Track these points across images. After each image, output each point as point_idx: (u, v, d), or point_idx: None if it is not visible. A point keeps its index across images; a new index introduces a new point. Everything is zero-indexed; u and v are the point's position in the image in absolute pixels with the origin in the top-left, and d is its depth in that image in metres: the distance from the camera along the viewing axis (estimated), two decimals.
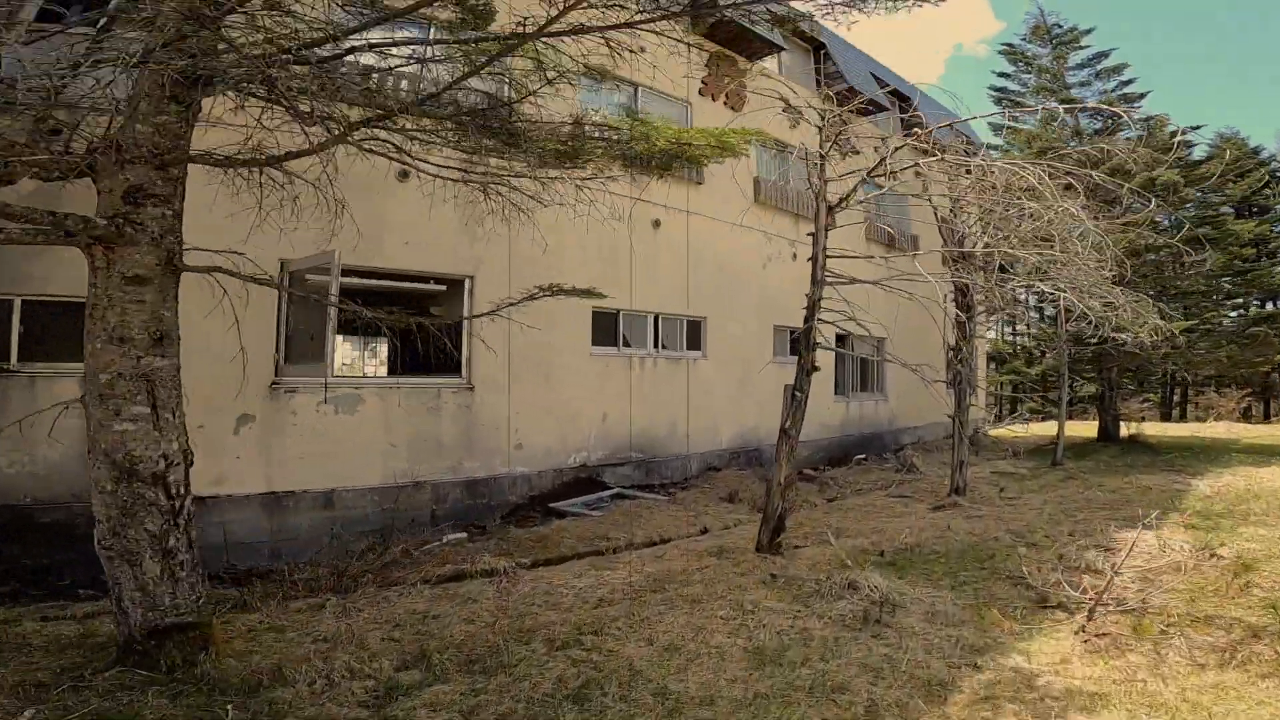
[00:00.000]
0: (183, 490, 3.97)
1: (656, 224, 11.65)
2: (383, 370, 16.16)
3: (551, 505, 9.23)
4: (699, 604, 4.88)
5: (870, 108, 14.88)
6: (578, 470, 10.07)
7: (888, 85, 15.89)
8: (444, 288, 8.90)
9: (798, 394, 6.55)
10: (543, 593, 5.19)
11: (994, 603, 5.08)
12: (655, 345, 11.65)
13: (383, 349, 17.11)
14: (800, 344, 6.73)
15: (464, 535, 8.21)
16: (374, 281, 8.24)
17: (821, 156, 6.60)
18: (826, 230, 6.48)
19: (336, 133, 4.65)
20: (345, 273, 7.99)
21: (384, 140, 5.18)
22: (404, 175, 8.32)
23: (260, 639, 4.27)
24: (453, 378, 8.84)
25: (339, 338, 15.22)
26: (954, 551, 6.67)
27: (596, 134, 5.70)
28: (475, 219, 9.18)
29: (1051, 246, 6.82)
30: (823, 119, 6.63)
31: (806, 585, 5.31)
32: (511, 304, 5.59)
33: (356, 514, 7.82)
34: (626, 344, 11.17)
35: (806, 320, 6.54)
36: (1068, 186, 6.76)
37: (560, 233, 10.05)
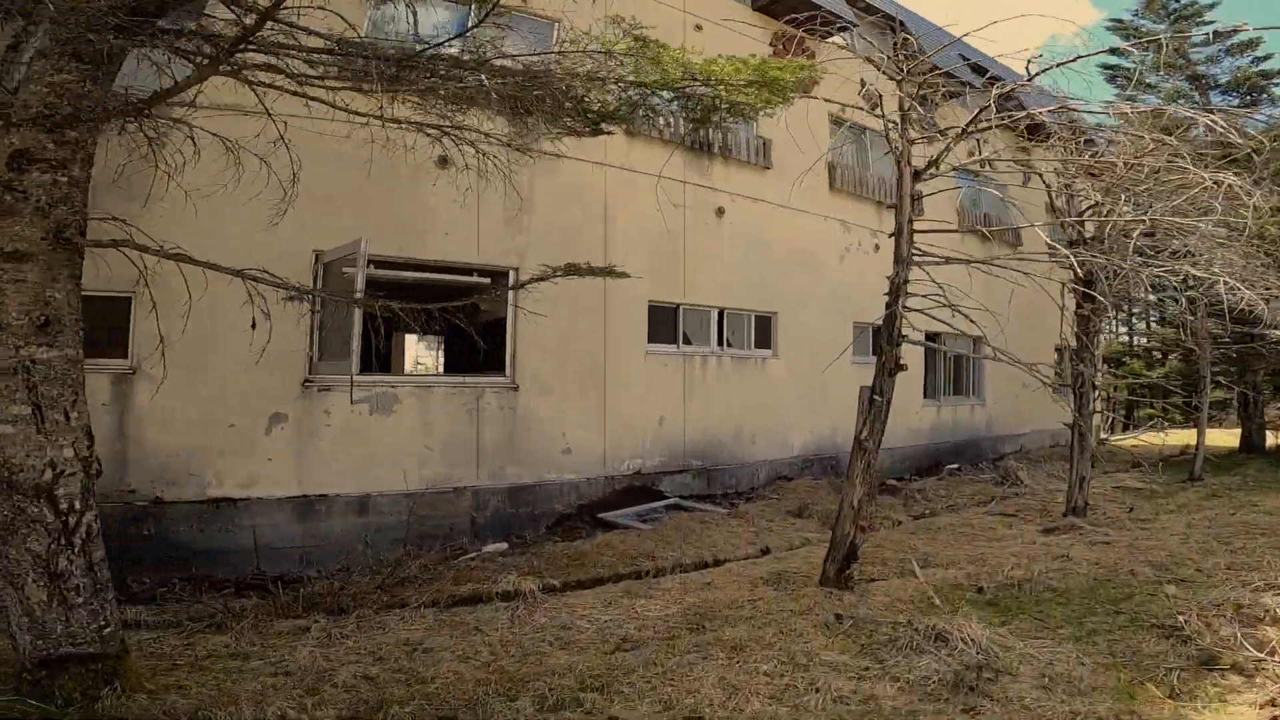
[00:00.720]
0: (79, 505, 3.47)
1: (720, 212, 10.77)
2: (435, 368, 16.00)
3: (601, 516, 8.54)
4: (740, 652, 4.03)
5: (959, 88, 13.46)
6: (631, 478, 9.34)
7: (984, 71, 14.33)
8: (487, 280, 8.35)
9: (876, 398, 5.54)
10: (559, 626, 4.49)
11: (1137, 662, 3.96)
12: (719, 343, 10.77)
13: (421, 347, 16.96)
14: (880, 338, 5.71)
15: (504, 546, 7.65)
16: (413, 274, 7.80)
17: (902, 115, 5.57)
18: (914, 202, 5.45)
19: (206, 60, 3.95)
20: (383, 265, 7.60)
21: (281, 73, 4.40)
22: (443, 162, 7.84)
23: (207, 671, 3.77)
24: (495, 377, 8.30)
25: (412, 337, 15.19)
26: (1077, 589, 5.48)
27: (602, 71, 4.80)
28: (520, 207, 8.65)
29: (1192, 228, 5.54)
30: (901, 71, 5.60)
31: (880, 632, 4.34)
32: (523, 284, 4.89)
33: (391, 520, 7.39)
34: (687, 341, 10.35)
35: (889, 306, 5.52)
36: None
37: (613, 222, 9.37)
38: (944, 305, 5.28)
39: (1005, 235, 14.65)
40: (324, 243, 7.22)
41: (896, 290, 5.44)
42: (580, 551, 6.85)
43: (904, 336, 5.50)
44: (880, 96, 5.97)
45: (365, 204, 7.48)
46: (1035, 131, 9.89)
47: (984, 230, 11.95)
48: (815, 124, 12.37)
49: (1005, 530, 8.08)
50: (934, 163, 5.43)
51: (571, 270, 4.87)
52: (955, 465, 14.02)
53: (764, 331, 11.49)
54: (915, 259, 5.47)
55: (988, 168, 11.72)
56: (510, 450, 8.19)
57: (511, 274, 8.44)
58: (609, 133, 5.96)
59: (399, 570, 5.70)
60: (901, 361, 5.58)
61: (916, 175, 5.46)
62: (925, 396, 14.09)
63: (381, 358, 11.29)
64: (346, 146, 7.47)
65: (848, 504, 5.55)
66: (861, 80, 13.76)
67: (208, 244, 6.78)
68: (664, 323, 10.10)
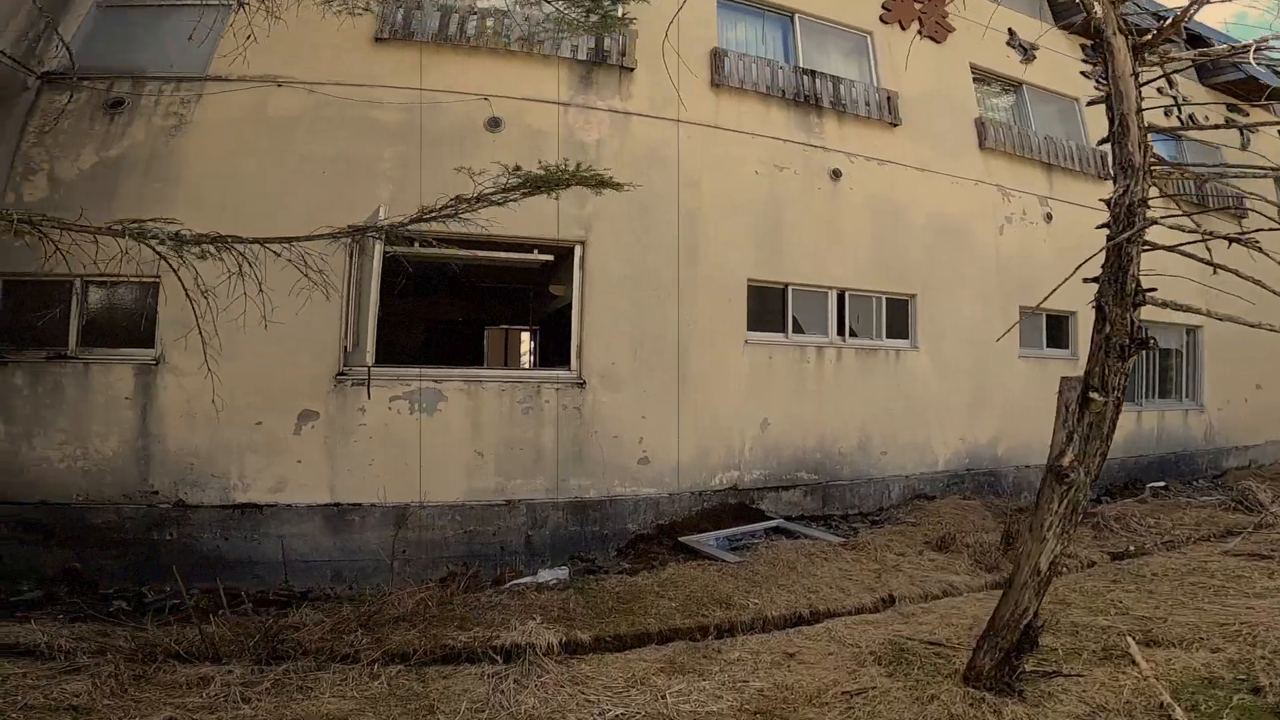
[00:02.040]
0: None
1: (836, 175, 8.91)
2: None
3: (683, 539, 7.11)
4: None
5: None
6: (725, 494, 7.81)
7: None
8: (549, 257, 7.22)
9: (1095, 396, 3.61)
10: (550, 716, 3.15)
11: None
12: (839, 331, 8.91)
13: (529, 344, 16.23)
14: (1102, 295, 3.56)
15: (563, 573, 6.46)
16: (464, 251, 6.82)
17: None
18: (1135, 77, 3.47)
19: None
20: (430, 240, 6.67)
21: None
22: (496, 124, 6.79)
23: None
24: (557, 371, 7.14)
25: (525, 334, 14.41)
26: None
27: None
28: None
29: None
30: None
31: None
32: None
33: (434, 535, 6.44)
34: (798, 328, 8.62)
35: (1111, 238, 3.49)
36: None
37: (698, 187, 7.89)
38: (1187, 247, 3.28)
39: (1225, 202, 11.40)
40: (361, 218, 6.39)
41: (1130, 211, 3.45)
42: (637, 590, 5.47)
43: (1144, 292, 3.53)
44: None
45: (406, 174, 6.58)
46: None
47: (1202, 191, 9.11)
48: (955, 78, 10.15)
49: (1268, 581, 5.67)
50: (1160, 36, 3.43)
51: (534, 185, 3.51)
52: (1161, 484, 11.02)
53: (898, 318, 9.45)
54: (1154, 170, 3.49)
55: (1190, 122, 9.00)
56: (575, 458, 6.99)
57: (577, 249, 7.23)
58: None
59: (387, 607, 4.62)
60: (1147, 335, 3.57)
61: (1138, 51, 3.49)
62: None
63: (471, 355, 10.60)
64: (386, 114, 6.64)
65: (1029, 566, 3.63)
66: (1010, 30, 11.30)
67: (234, 221, 6.26)
68: (768, 307, 8.46)
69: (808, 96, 8.85)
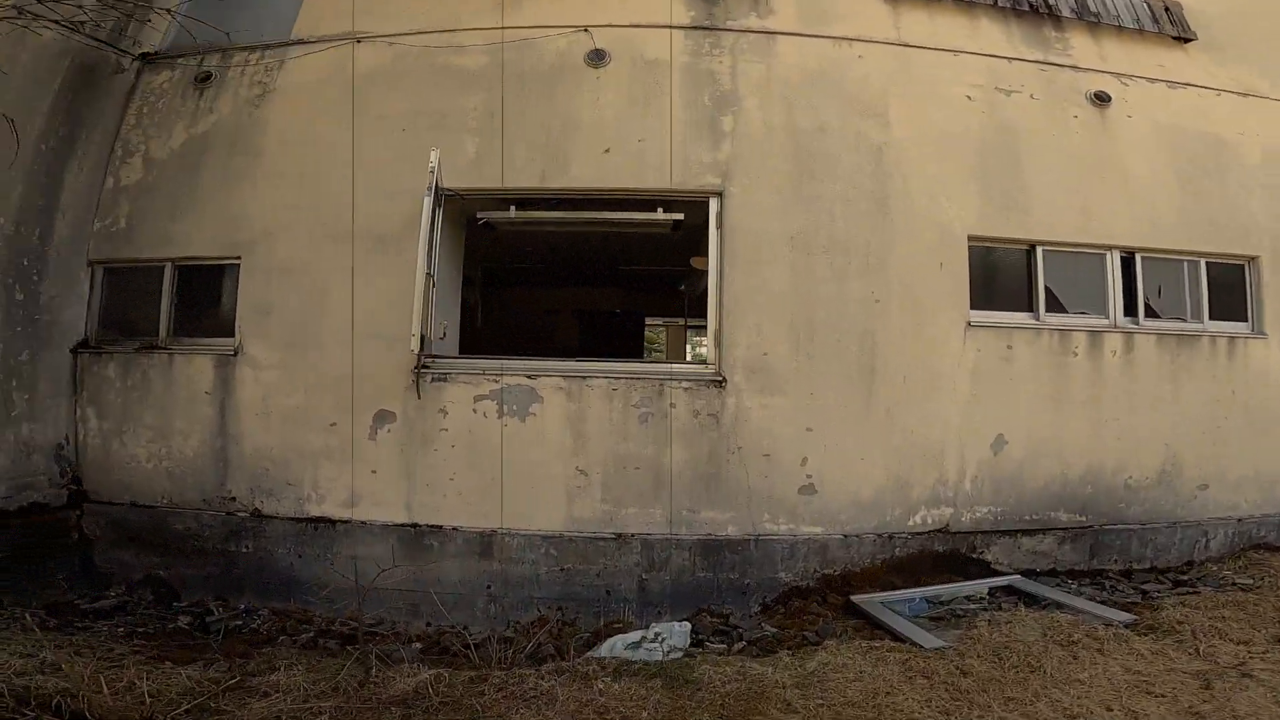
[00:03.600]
0: None
1: (1100, 100, 6.03)
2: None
3: (856, 599, 4.99)
4: None
5: None
6: (929, 538, 5.48)
7: None
8: (679, 216, 5.55)
9: None
10: None
11: None
12: (1126, 309, 6.00)
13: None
14: None
15: (682, 632, 4.77)
16: (565, 213, 5.45)
17: None
18: None
19: None
20: (514, 201, 5.43)
21: None
22: (599, 57, 5.31)
23: None
24: (687, 365, 5.43)
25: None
26: None
27: None
28: (718, 106, 5.58)
29: None
30: None
31: None
32: None
33: (524, 571, 5.15)
34: (1055, 306, 5.92)
35: None
36: None
37: (883, 118, 5.68)
38: None
39: None
40: (445, 178, 5.31)
41: None
42: (758, 688, 3.57)
43: None
44: None
45: (492, 125, 5.38)
46: None
47: None
48: None
49: None
50: None
51: None
52: None
53: (1229, 291, 6.21)
54: None
55: None
56: (708, 482, 5.23)
57: (712, 203, 5.45)
58: None
59: (374, 688, 3.29)
60: None
61: None
62: None
63: (627, 352, 9.32)
64: (469, 59, 5.50)
65: None
66: None
67: (314, 190, 5.55)
68: (1004, 275, 5.91)
69: (1035, 5, 6.17)
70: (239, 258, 5.44)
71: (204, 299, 5.52)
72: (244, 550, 5.29)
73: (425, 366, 5.22)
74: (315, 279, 5.30)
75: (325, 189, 5.41)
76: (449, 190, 5.31)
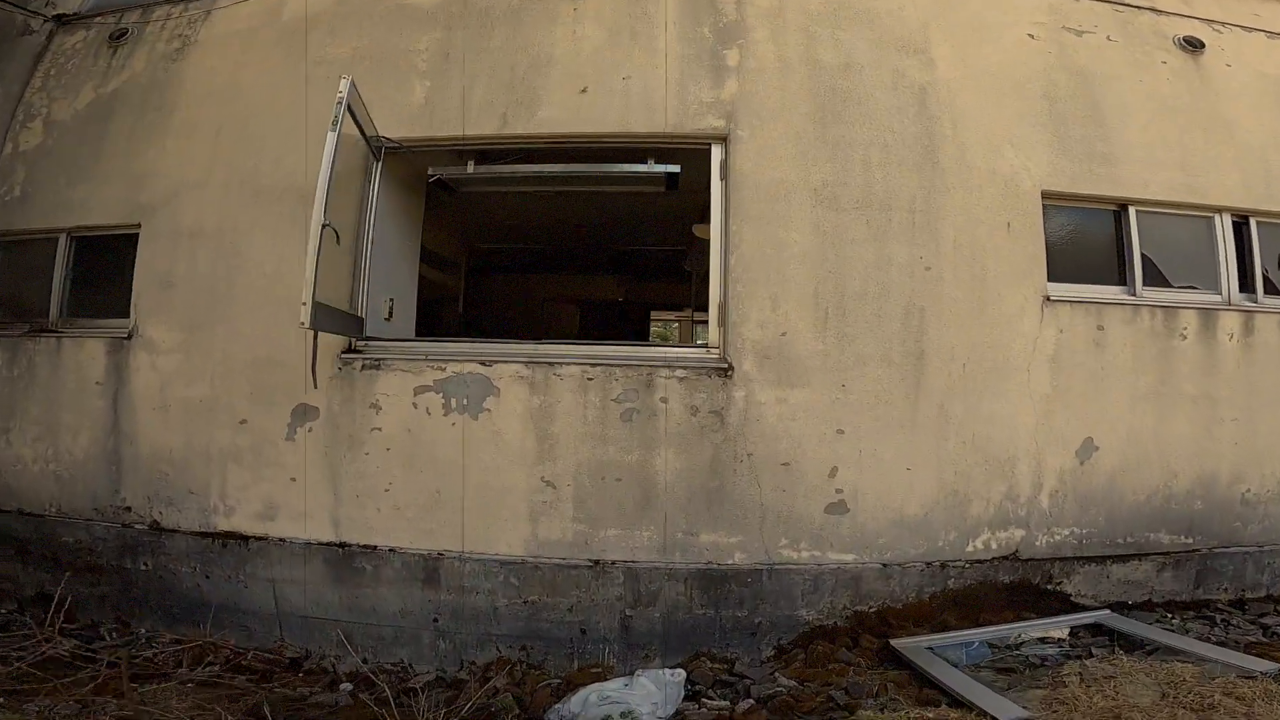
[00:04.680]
0: None
1: (1190, 46, 4.92)
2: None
3: (897, 643, 3.82)
4: None
5: None
6: (991, 566, 4.29)
7: None
8: (674, 168, 4.49)
9: None
10: None
11: None
12: (1244, 284, 4.77)
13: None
14: None
15: (679, 680, 3.69)
16: (525, 167, 4.43)
17: None
18: None
19: None
20: (473, 154, 4.45)
21: None
22: None
23: None
24: (681, 349, 4.33)
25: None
26: None
27: None
28: (722, 34, 4.51)
29: None
30: None
31: None
32: None
33: (478, 603, 4.10)
34: (1155, 278, 4.70)
35: None
36: None
37: (926, 54, 4.58)
38: None
39: None
40: (389, 127, 4.33)
41: None
42: None
43: None
44: None
45: (448, 65, 4.41)
46: None
47: None
48: None
49: None
50: None
51: None
52: None
53: None
54: None
55: None
56: (711, 497, 4.12)
57: (715, 150, 4.37)
58: None
59: None
60: None
61: None
62: None
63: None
64: None
65: None
66: None
67: (232, 144, 4.63)
68: (1088, 240, 4.72)
69: None
70: (138, 225, 4.53)
71: (102, 274, 4.63)
72: (142, 568, 4.36)
73: (355, 350, 4.23)
74: (227, 244, 4.36)
75: (246, 143, 4.49)
76: (392, 142, 4.33)
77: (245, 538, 4.25)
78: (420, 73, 4.48)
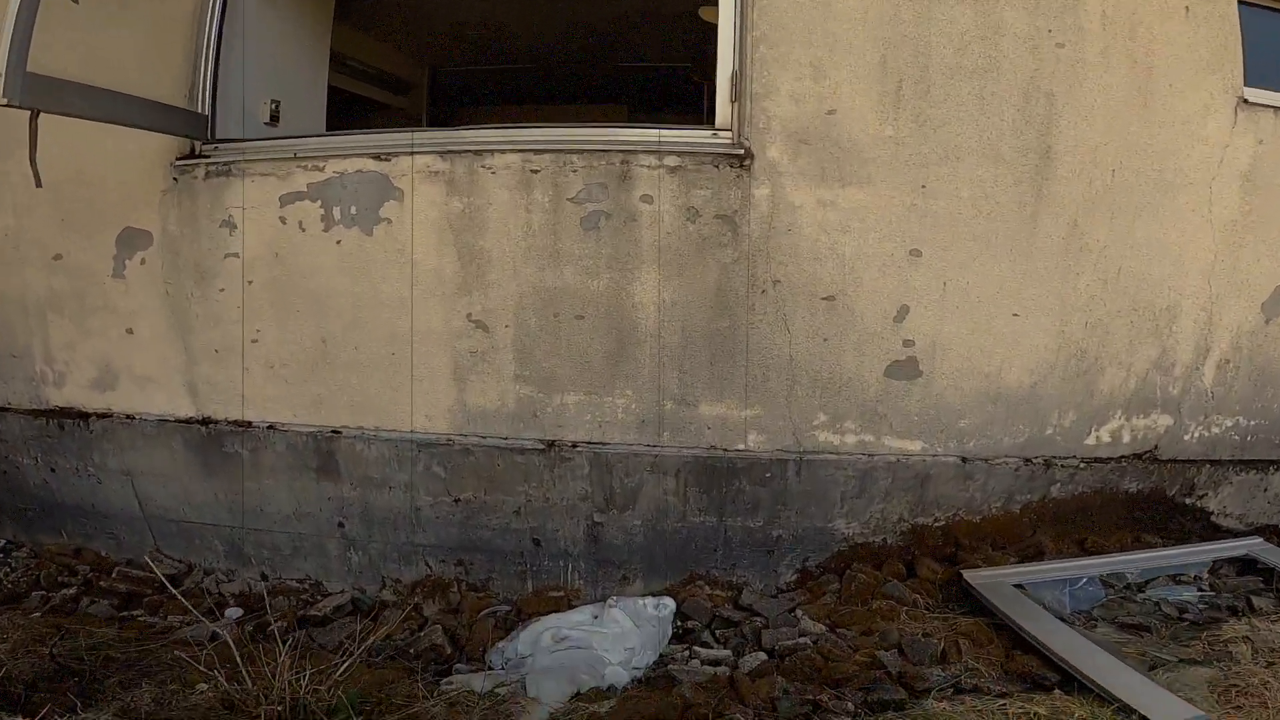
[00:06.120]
0: None
1: None
2: None
3: (971, 576, 2.58)
4: None
5: None
6: (1115, 468, 2.95)
7: None
8: None
9: None
10: None
11: None
12: None
13: None
14: None
15: (660, 617, 2.56)
16: None
17: None
18: None
19: None
20: None
21: None
22: None
23: None
24: (678, 131, 2.85)
25: None
26: None
27: None
28: None
29: None
30: None
31: None
32: None
33: (393, 501, 2.96)
34: None
35: None
36: None
37: None
38: None
39: None
40: None
41: None
42: None
43: None
44: None
45: None
46: None
47: None
48: None
49: None
50: None
51: None
52: None
53: None
54: None
55: None
56: (717, 346, 2.79)
57: None
58: None
59: None
60: None
61: None
62: None
63: None
64: None
65: None
66: None
67: None
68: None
69: None
70: None
71: None
72: None
73: (198, 155, 2.89)
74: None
75: None
76: None
77: (85, 415, 3.14)
78: None
